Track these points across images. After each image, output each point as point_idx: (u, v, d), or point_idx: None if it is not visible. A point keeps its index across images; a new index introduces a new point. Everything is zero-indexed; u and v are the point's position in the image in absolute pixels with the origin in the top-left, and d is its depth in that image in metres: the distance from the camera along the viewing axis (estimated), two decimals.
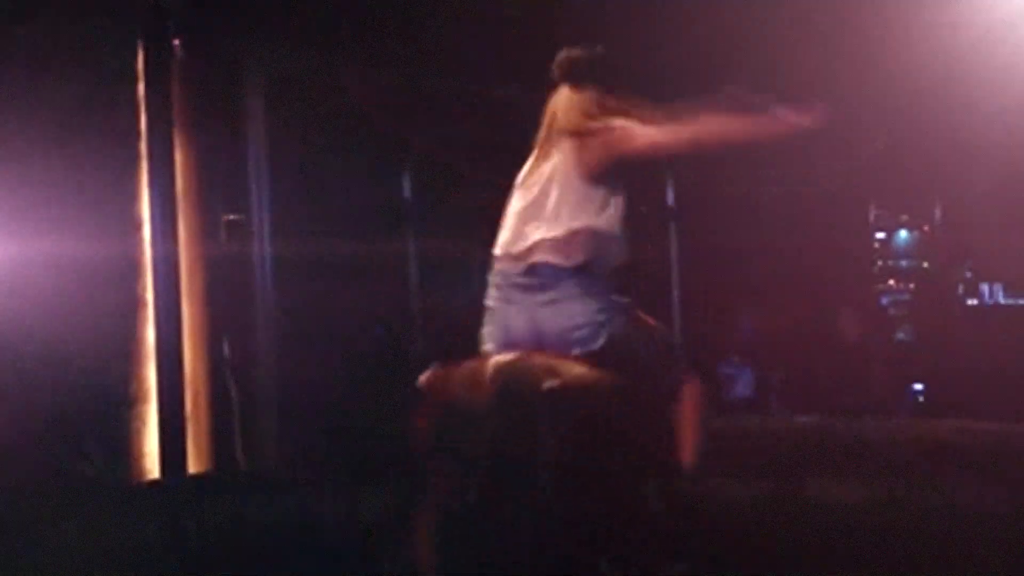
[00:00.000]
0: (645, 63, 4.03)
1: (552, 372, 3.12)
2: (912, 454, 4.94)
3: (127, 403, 5.05)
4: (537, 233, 3.28)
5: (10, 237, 4.74)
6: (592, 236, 3.26)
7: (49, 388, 4.74)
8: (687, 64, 5.57)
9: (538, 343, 3.23)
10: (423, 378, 3.20)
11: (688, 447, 3.33)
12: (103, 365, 4.96)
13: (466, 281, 5.66)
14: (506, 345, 3.28)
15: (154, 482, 5.06)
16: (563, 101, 3.40)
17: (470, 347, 3.72)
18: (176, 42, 5.22)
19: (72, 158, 4.91)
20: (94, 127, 5.00)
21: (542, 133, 3.43)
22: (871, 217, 8.36)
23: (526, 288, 3.28)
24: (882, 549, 3.54)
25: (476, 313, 3.37)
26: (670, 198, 7.50)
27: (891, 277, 8.12)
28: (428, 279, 5.93)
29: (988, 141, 6.32)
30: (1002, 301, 7.52)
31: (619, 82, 3.39)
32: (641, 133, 3.25)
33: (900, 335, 7.70)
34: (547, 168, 3.35)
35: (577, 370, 3.14)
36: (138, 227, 5.12)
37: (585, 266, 3.23)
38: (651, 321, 3.41)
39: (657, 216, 7.37)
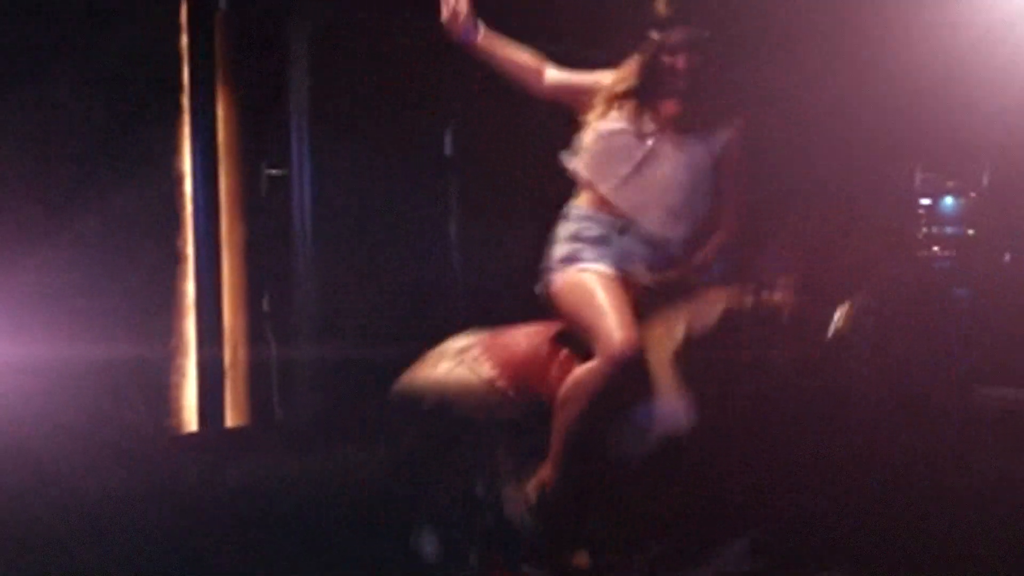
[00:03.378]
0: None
1: None
2: None
3: (166, 356, 5.07)
4: None
5: (53, 187, 4.76)
6: None
7: (87, 340, 4.77)
8: None
9: None
10: None
11: None
12: (143, 317, 4.98)
13: (507, 239, 5.64)
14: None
15: (192, 434, 5.09)
16: None
17: (510, 304, 3.69)
18: None
19: (114, 110, 4.92)
20: (137, 79, 5.00)
21: None
22: (917, 182, 8.24)
23: None
24: None
25: (512, 272, 3.33)
26: None
27: (936, 244, 8.00)
28: (469, 236, 5.91)
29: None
30: None
31: None
32: None
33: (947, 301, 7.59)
34: None
35: None
36: (179, 180, 5.13)
37: None
38: None
39: None
